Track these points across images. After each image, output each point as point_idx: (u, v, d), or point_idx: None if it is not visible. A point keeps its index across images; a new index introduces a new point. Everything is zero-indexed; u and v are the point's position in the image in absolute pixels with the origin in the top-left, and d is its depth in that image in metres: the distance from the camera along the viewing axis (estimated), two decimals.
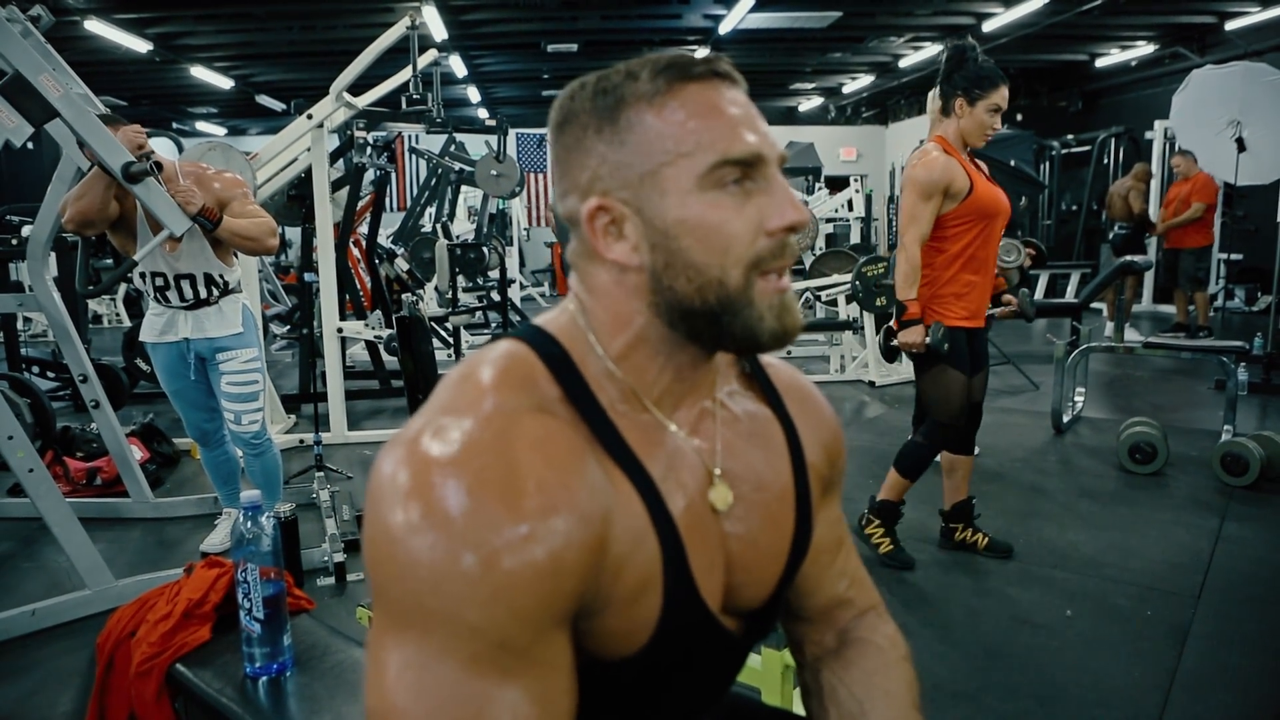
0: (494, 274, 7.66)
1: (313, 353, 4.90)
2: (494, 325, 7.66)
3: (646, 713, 0.77)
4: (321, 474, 3.58)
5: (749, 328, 0.70)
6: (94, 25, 7.88)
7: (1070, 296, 8.61)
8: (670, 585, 0.69)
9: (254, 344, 2.89)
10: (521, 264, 11.31)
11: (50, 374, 5.24)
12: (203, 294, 2.77)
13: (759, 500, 0.79)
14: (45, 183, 2.97)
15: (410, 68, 4.57)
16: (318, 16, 8.89)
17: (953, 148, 2.61)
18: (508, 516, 0.59)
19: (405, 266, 6.49)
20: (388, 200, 6.82)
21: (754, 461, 0.80)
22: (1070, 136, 10.58)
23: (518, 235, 10.95)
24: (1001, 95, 2.54)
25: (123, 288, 8.62)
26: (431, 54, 5.06)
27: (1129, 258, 4.61)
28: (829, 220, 9.38)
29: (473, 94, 13.44)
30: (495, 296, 7.17)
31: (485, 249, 7.53)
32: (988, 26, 8.95)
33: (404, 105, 4.63)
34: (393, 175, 6.79)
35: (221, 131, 15.41)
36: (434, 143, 9.42)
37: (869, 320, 5.76)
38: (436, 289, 6.79)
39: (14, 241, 5.07)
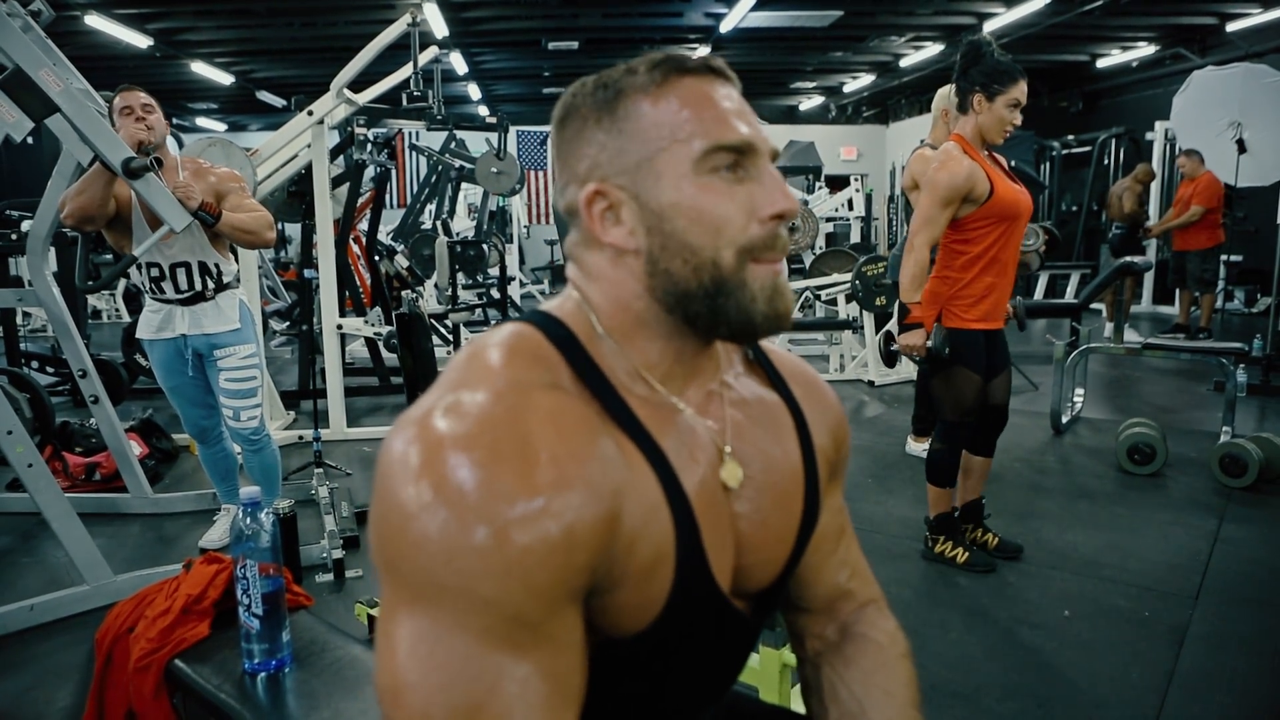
0: (494, 271, 7.68)
1: (312, 349, 4.90)
2: (494, 323, 7.66)
3: (656, 691, 0.77)
4: (320, 470, 3.58)
5: (743, 309, 0.71)
6: (94, 20, 7.87)
7: (1070, 297, 8.61)
8: (682, 561, 0.70)
9: (252, 340, 2.89)
10: (521, 261, 11.31)
11: (49, 369, 5.24)
12: (198, 285, 2.77)
13: (768, 481, 0.80)
14: (45, 178, 2.96)
15: (411, 64, 4.57)
16: (318, 13, 8.87)
17: (971, 147, 2.56)
18: (521, 490, 0.59)
19: (405, 263, 6.48)
20: (388, 197, 6.81)
21: (763, 443, 0.81)
22: (1071, 137, 10.58)
23: (518, 233, 10.94)
24: (1021, 90, 2.49)
25: (122, 283, 8.60)
26: (432, 51, 5.06)
27: (1129, 259, 4.61)
28: (829, 219, 9.38)
29: (473, 91, 13.43)
30: (495, 294, 7.18)
31: (485, 246, 7.54)
32: (989, 26, 8.95)
33: (404, 102, 4.63)
34: (393, 172, 6.79)
35: (222, 127, 15.40)
36: (434, 140, 9.42)
37: (869, 320, 5.76)
38: (436, 286, 6.79)
39: (14, 236, 5.06)
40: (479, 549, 0.58)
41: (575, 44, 10.35)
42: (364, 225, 6.14)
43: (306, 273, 4.71)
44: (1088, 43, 10.44)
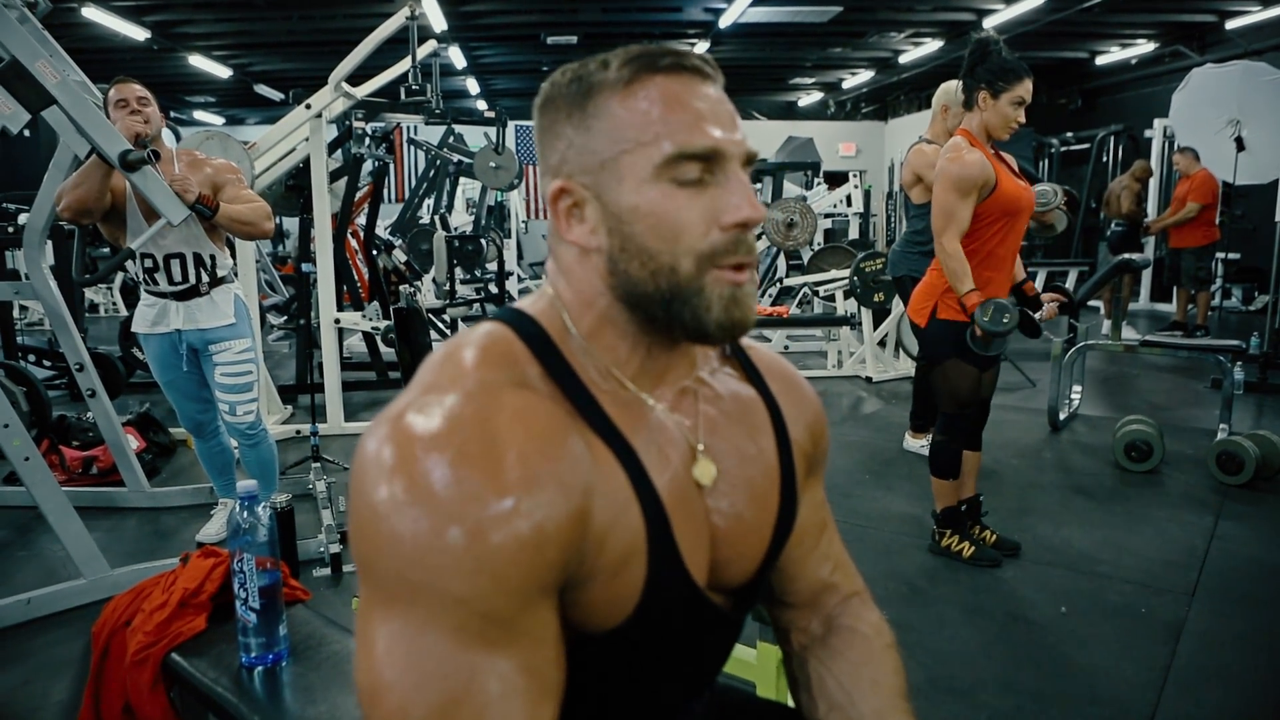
0: (492, 266, 7.66)
1: (310, 344, 4.89)
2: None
3: (638, 687, 0.78)
4: (318, 465, 3.58)
5: (697, 316, 0.71)
6: (91, 12, 7.83)
7: None
8: (654, 556, 0.71)
9: (247, 334, 2.88)
10: (519, 256, 11.27)
11: (46, 362, 5.23)
12: (192, 277, 2.76)
13: (743, 476, 0.80)
14: (42, 170, 2.95)
15: (409, 58, 4.55)
16: (317, 6, 8.84)
17: (978, 142, 2.57)
18: (491, 489, 0.60)
19: (403, 258, 6.48)
20: (386, 191, 6.80)
21: (737, 438, 0.81)
22: (1069, 134, 10.58)
23: (516, 227, 10.92)
24: (1025, 88, 2.51)
25: (119, 276, 8.59)
26: (431, 45, 5.03)
27: (1127, 256, 4.60)
28: (828, 216, 9.37)
29: (472, 85, 13.40)
30: (493, 289, 7.17)
31: (483, 241, 7.51)
32: (988, 23, 8.94)
33: (403, 96, 4.61)
34: (391, 166, 6.78)
35: (219, 121, 15.36)
36: (433, 134, 9.38)
37: (866, 316, 5.76)
38: (434, 281, 6.78)
39: (10, 229, 5.05)
40: (450, 548, 0.59)
41: (574, 39, 10.33)
42: (362, 219, 6.12)
43: (304, 267, 4.70)
44: (1087, 40, 10.43)
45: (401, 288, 5.98)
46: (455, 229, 8.34)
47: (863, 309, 5.74)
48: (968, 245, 2.59)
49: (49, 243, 3.39)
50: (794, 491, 0.85)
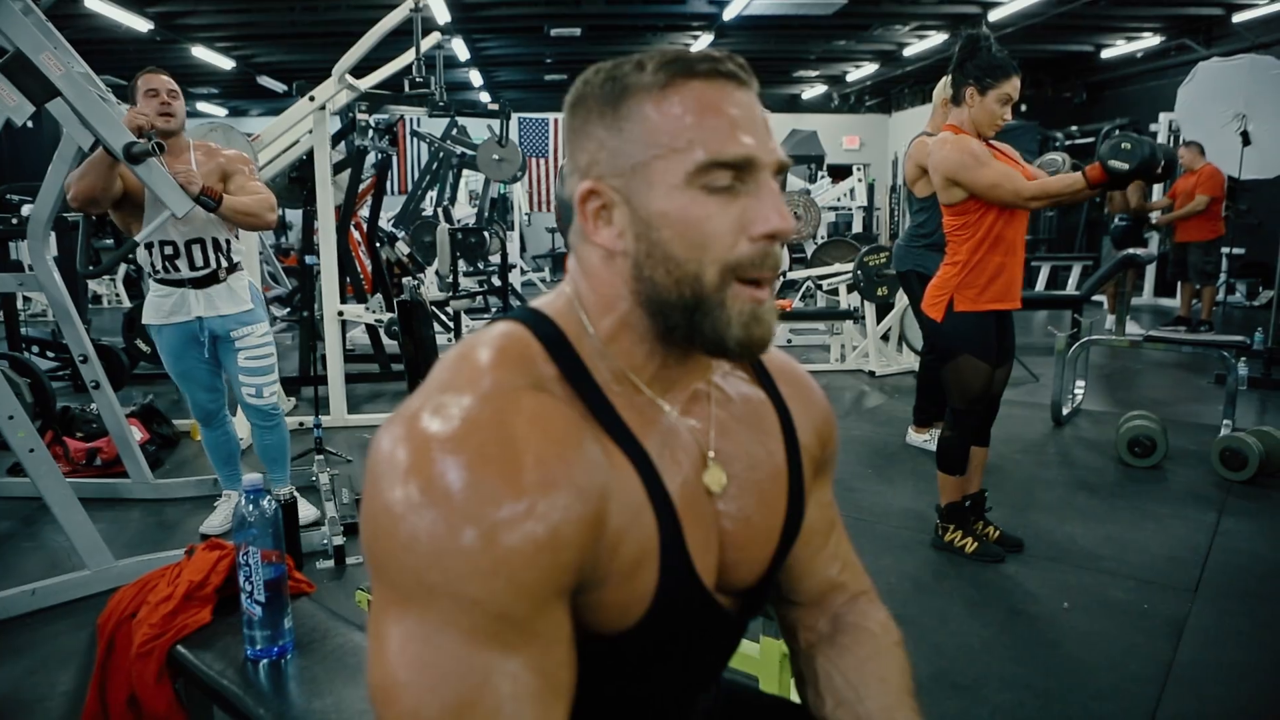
0: (495, 259, 7.65)
1: (313, 336, 4.89)
2: (495, 310, 7.66)
3: (644, 687, 0.78)
4: (321, 457, 3.58)
5: (717, 331, 0.71)
6: (94, 3, 7.83)
7: (1072, 289, 8.60)
8: (666, 559, 0.71)
9: (264, 318, 2.97)
10: (523, 249, 11.28)
11: (50, 354, 5.23)
12: (211, 262, 2.81)
13: (752, 480, 0.81)
14: (46, 162, 2.95)
15: (413, 50, 4.55)
16: None
17: (967, 134, 2.58)
18: (507, 491, 0.60)
19: (406, 250, 6.48)
20: (389, 183, 6.79)
21: (747, 442, 0.81)
22: (1074, 128, 10.55)
23: (519, 220, 10.92)
24: (1013, 85, 2.50)
25: (123, 268, 8.60)
26: (434, 37, 5.04)
27: (1131, 251, 4.60)
28: (831, 209, 9.36)
29: (475, 78, 13.38)
30: (496, 281, 7.16)
31: (486, 233, 7.52)
32: (994, 16, 8.90)
33: (406, 88, 4.61)
34: (394, 158, 6.78)
35: (223, 112, 15.35)
36: (436, 126, 9.36)
37: (870, 310, 5.75)
38: (437, 273, 6.77)
39: (14, 221, 5.05)
40: (466, 550, 0.59)
41: (578, 30, 10.30)
42: (365, 212, 6.12)
43: (307, 259, 4.70)
44: (1092, 33, 10.39)
45: (404, 280, 5.97)
46: (458, 221, 8.35)
47: (866, 303, 5.73)
48: (973, 233, 2.59)
49: (53, 234, 3.39)
50: (801, 494, 0.85)
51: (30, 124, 2.32)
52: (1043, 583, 2.67)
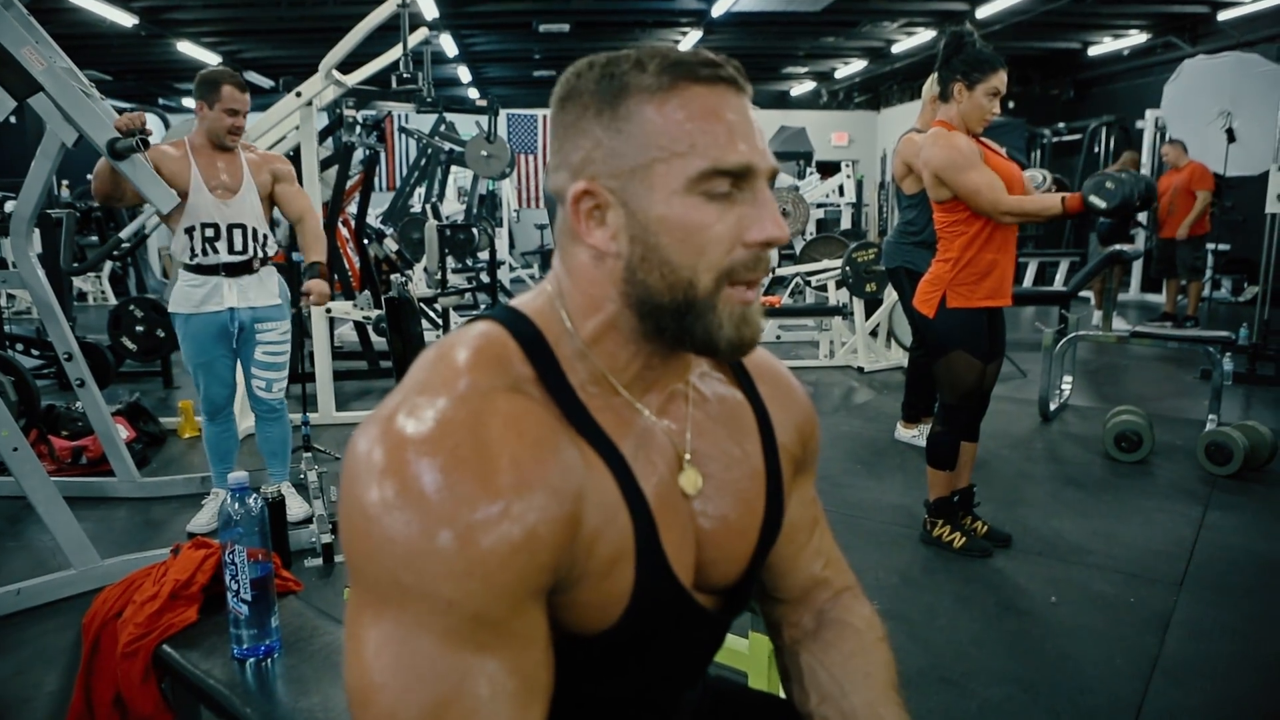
0: (483, 255, 7.64)
1: (300, 332, 4.87)
2: (483, 307, 7.63)
3: (626, 685, 0.78)
4: (309, 455, 3.57)
5: (708, 332, 0.71)
6: None
7: (1059, 284, 8.64)
8: (642, 559, 0.71)
9: (288, 316, 3.05)
10: (511, 245, 11.26)
11: (35, 352, 5.19)
12: (250, 250, 2.86)
13: (729, 479, 0.81)
14: (28, 158, 2.92)
15: (400, 46, 4.52)
16: None
17: (957, 130, 2.58)
18: (482, 493, 0.60)
19: (394, 247, 6.45)
20: (377, 180, 6.77)
21: (724, 442, 0.82)
22: (1061, 125, 10.59)
23: (507, 216, 10.89)
24: (1000, 79, 2.51)
25: (108, 266, 8.53)
26: (422, 32, 5.00)
27: (1118, 247, 4.63)
28: (820, 205, 9.38)
29: (463, 74, 13.34)
30: (484, 278, 7.15)
31: (475, 230, 7.50)
32: (981, 13, 8.93)
33: (394, 84, 4.58)
34: (382, 155, 6.74)
35: None
36: (424, 122, 9.33)
37: (859, 306, 5.77)
38: (425, 270, 6.76)
39: None
40: (442, 552, 0.59)
41: (566, 26, 10.28)
42: (353, 208, 6.09)
43: (295, 256, 4.67)
44: (1079, 30, 10.44)
45: (393, 277, 5.96)
46: (447, 218, 8.31)
47: (855, 299, 5.74)
48: (964, 229, 2.59)
49: (36, 231, 3.36)
50: (780, 493, 0.85)
51: (13, 119, 2.30)
52: (1030, 577, 2.68)
